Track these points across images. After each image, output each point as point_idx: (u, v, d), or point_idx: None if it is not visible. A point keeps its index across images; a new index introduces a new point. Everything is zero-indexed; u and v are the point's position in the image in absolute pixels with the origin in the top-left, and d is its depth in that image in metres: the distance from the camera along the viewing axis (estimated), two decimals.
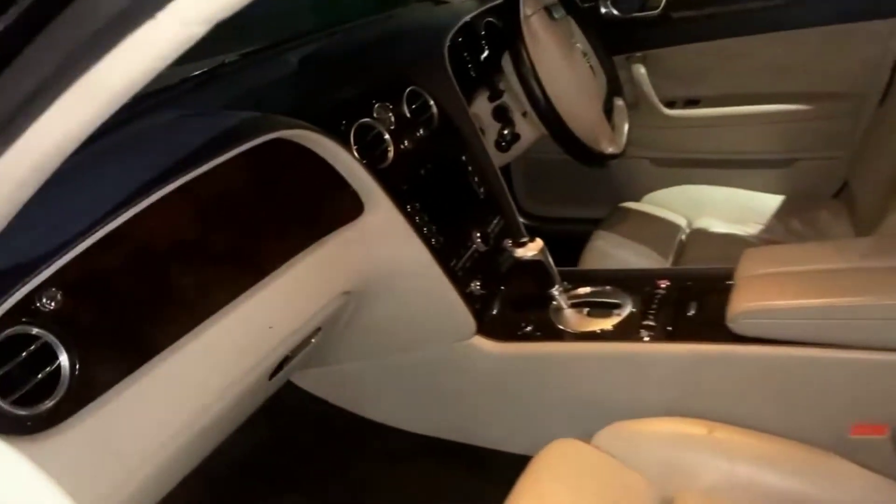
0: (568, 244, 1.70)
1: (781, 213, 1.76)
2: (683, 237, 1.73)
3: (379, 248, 1.17)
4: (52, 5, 0.39)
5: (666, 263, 1.60)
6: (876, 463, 0.95)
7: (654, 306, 1.24)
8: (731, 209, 1.80)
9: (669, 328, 1.18)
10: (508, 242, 1.31)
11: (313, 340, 1.12)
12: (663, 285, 1.29)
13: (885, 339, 0.99)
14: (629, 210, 1.84)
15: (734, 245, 1.58)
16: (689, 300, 1.23)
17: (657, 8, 1.85)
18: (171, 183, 0.84)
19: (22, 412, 0.71)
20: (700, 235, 1.71)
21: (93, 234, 0.75)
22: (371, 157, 1.18)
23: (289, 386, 1.49)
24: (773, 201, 1.80)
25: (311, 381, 1.48)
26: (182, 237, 0.91)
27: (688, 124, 1.95)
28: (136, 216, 0.79)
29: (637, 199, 1.90)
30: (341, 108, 1.20)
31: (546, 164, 2.07)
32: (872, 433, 0.99)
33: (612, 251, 1.63)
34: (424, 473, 1.42)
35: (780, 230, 1.72)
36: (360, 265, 1.14)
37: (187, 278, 0.90)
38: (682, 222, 1.77)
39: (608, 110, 1.64)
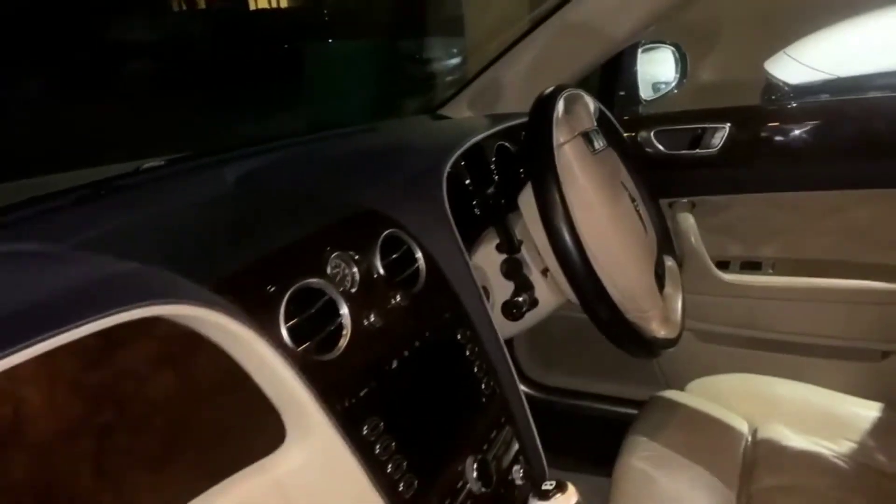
0: (579, 424, 1.27)
1: (879, 428, 1.29)
2: (744, 448, 1.25)
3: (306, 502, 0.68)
4: None
5: (731, 496, 1.12)
6: None
7: None
8: (810, 414, 1.34)
9: None
10: (527, 486, 0.83)
11: None
12: None
13: None
14: (672, 404, 1.36)
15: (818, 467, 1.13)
16: None
17: (716, 146, 1.47)
18: None
19: None
20: (770, 450, 1.23)
21: None
22: (310, 343, 0.71)
23: None
24: (866, 409, 1.34)
25: None
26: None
27: (747, 293, 1.51)
28: None
29: (679, 386, 1.43)
30: (275, 260, 0.75)
31: (559, 319, 1.63)
32: None
33: (655, 474, 1.15)
34: None
35: (880, 452, 1.25)
36: None
37: None
38: (742, 428, 1.30)
39: (661, 275, 1.20)
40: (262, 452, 0.67)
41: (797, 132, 1.44)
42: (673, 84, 1.67)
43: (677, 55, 1.69)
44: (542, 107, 1.04)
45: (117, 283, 0.59)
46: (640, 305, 1.09)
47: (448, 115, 1.66)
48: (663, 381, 1.53)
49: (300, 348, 0.69)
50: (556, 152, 1.00)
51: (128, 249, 0.73)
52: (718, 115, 1.48)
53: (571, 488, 0.79)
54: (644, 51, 1.65)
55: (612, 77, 1.59)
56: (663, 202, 1.51)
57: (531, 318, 1.16)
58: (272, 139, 1.22)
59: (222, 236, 0.83)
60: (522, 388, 1.19)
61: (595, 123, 1.19)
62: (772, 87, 1.59)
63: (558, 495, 0.77)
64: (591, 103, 1.19)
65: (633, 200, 1.16)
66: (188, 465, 0.61)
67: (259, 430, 0.67)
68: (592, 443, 1.44)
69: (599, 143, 1.15)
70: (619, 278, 1.04)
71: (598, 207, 1.06)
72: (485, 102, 1.61)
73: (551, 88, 1.08)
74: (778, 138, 1.46)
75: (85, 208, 0.90)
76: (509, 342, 1.71)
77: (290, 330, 0.69)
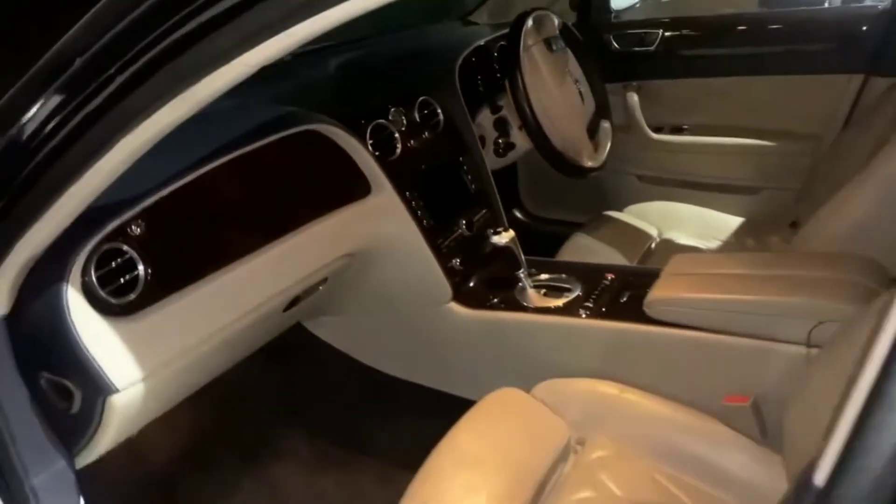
0: (557, 241, 2.00)
1: (739, 234, 2.03)
2: (652, 245, 2.01)
3: (379, 222, 1.48)
4: (174, 53, 0.71)
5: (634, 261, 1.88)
6: (741, 426, 1.23)
7: (597, 293, 1.53)
8: (698, 225, 2.08)
9: (603, 309, 1.47)
10: (489, 230, 1.61)
11: (321, 288, 1.45)
12: (609, 277, 1.58)
13: (757, 329, 1.27)
14: (610, 217, 2.12)
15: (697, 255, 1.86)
16: (624, 290, 1.52)
17: (653, 45, 2.14)
18: (228, 155, 1.17)
19: (112, 300, 1.04)
20: (666, 245, 1.99)
21: (169, 186, 1.08)
22: (382, 150, 1.50)
23: (305, 332, 1.81)
24: (734, 222, 2.06)
25: (323, 329, 1.80)
26: (232, 195, 1.24)
27: (670, 148, 2.22)
28: (200, 176, 1.12)
29: (620, 209, 2.18)
30: (363, 110, 1.52)
31: (547, 173, 2.36)
32: (739, 402, 1.27)
33: (584, 250, 1.93)
34: (414, 418, 1.71)
35: (733, 248, 1.99)
36: (363, 234, 1.45)
37: (233, 226, 1.23)
38: (653, 232, 2.06)
39: (593, 130, 1.93)
40: (361, 197, 1.46)
41: (706, 35, 2.10)
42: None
43: None
44: (517, 23, 1.74)
45: (297, 115, 1.36)
46: (574, 147, 1.82)
47: (474, 21, 2.36)
48: (613, 206, 2.27)
49: (377, 152, 1.47)
50: (523, 52, 1.72)
51: (293, 101, 1.50)
52: (655, 24, 2.14)
53: (511, 231, 1.57)
54: None
55: None
56: (617, 85, 2.20)
57: (512, 155, 1.92)
58: (358, 39, 1.96)
59: (336, 97, 1.60)
60: (519, 215, 1.96)
61: (557, 32, 1.88)
62: None
63: (502, 231, 1.55)
64: (555, 19, 1.88)
65: (576, 82, 1.88)
66: (328, 197, 1.40)
67: (360, 187, 1.46)
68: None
69: (556, 45, 1.85)
70: (558, 131, 1.77)
71: (549, 87, 1.78)
72: (499, 11, 2.29)
73: (527, 10, 1.78)
74: (695, 41, 2.12)
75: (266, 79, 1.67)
76: (514, 184, 2.48)
77: (372, 144, 1.47)
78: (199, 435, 1.74)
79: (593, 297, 1.52)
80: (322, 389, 1.82)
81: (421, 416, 1.67)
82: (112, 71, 0.75)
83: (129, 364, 1.04)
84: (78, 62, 0.76)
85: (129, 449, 1.36)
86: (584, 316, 1.47)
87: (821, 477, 0.43)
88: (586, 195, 2.35)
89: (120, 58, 0.74)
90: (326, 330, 1.77)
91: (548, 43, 1.83)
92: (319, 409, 1.80)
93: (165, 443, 1.70)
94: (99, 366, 1.01)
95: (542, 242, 2.05)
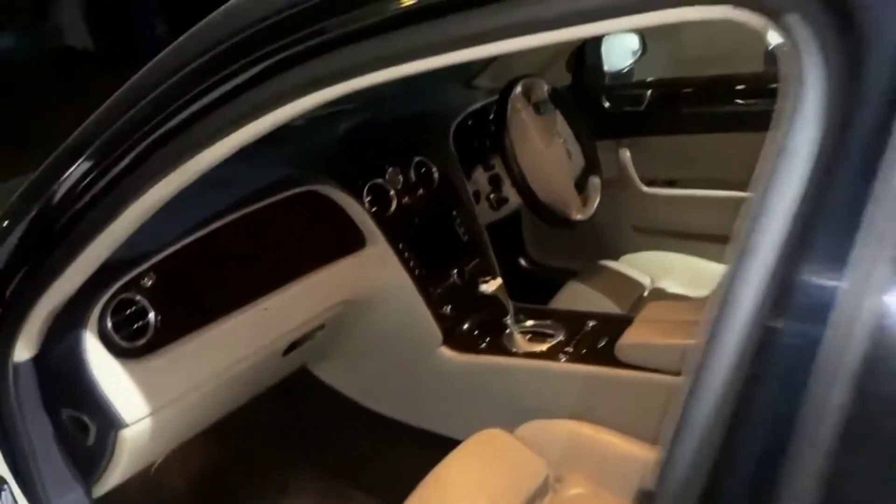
0: (558, 287, 2.11)
1: None
2: (644, 293, 2.10)
3: (373, 273, 1.62)
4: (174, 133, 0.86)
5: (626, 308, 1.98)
6: None
7: (577, 338, 1.63)
8: (690, 275, 2.17)
9: (583, 353, 1.57)
10: (480, 279, 1.73)
11: (319, 334, 1.58)
12: (591, 324, 1.68)
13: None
14: (604, 266, 2.23)
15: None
16: (603, 335, 1.61)
17: (642, 104, 2.27)
18: (234, 214, 1.32)
19: (125, 344, 1.18)
20: (657, 293, 2.09)
21: (179, 242, 1.23)
22: (379, 206, 1.64)
23: (311, 376, 1.94)
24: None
25: (326, 372, 1.93)
26: (236, 250, 1.39)
27: (663, 201, 2.33)
28: (207, 234, 1.28)
29: (617, 258, 2.29)
30: (361, 170, 1.67)
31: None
32: None
33: (577, 297, 2.03)
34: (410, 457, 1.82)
35: None
36: (358, 283, 1.59)
37: (236, 277, 1.38)
38: (645, 281, 2.15)
39: (582, 185, 2.06)
40: (357, 249, 1.60)
41: (692, 95, 2.23)
42: (631, 61, 2.45)
43: (639, 38, 2.46)
44: (506, 89, 1.90)
45: (300, 176, 1.51)
46: (563, 201, 1.95)
47: (477, 84, 2.52)
48: (611, 255, 2.37)
49: (373, 209, 1.61)
50: (512, 115, 1.86)
51: (302, 163, 1.64)
52: (644, 85, 2.28)
53: (499, 279, 1.69)
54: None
55: (581, 59, 2.39)
56: (610, 142, 2.33)
57: (505, 209, 2.05)
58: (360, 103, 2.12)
59: (340, 158, 1.75)
60: (524, 263, 2.09)
61: (546, 96, 2.02)
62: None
63: (490, 280, 1.67)
64: (544, 84, 2.03)
65: (564, 141, 2.01)
66: (325, 249, 1.54)
67: (356, 241, 1.60)
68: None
69: (545, 108, 1.99)
70: (545, 186, 1.89)
71: (536, 146, 1.92)
72: (500, 75, 2.45)
73: (516, 77, 1.94)
74: (682, 100, 2.25)
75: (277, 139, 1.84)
76: (519, 233, 2.60)
77: (369, 201, 1.61)
78: (213, 469, 1.86)
79: (574, 342, 1.62)
80: (326, 429, 1.93)
81: (415, 456, 1.77)
82: (124, 147, 0.90)
83: (138, 401, 1.18)
84: (97, 142, 0.92)
85: (145, 480, 1.49)
86: (563, 360, 1.57)
87: (650, 481, 0.54)
88: (586, 244, 2.46)
89: (129, 139, 0.89)
90: (329, 373, 1.90)
91: (536, 106, 1.97)
92: (323, 447, 1.91)
93: (180, 476, 1.82)
94: (111, 402, 1.14)
95: (545, 289, 2.17)
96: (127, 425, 1.17)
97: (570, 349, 1.60)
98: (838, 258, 0.45)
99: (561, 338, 1.65)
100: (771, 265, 0.50)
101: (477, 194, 2.00)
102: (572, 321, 1.71)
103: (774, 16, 0.53)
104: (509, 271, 2.10)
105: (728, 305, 0.51)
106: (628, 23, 0.59)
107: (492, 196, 1.98)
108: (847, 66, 0.48)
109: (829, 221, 0.47)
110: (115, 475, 1.26)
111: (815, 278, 0.47)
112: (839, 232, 0.46)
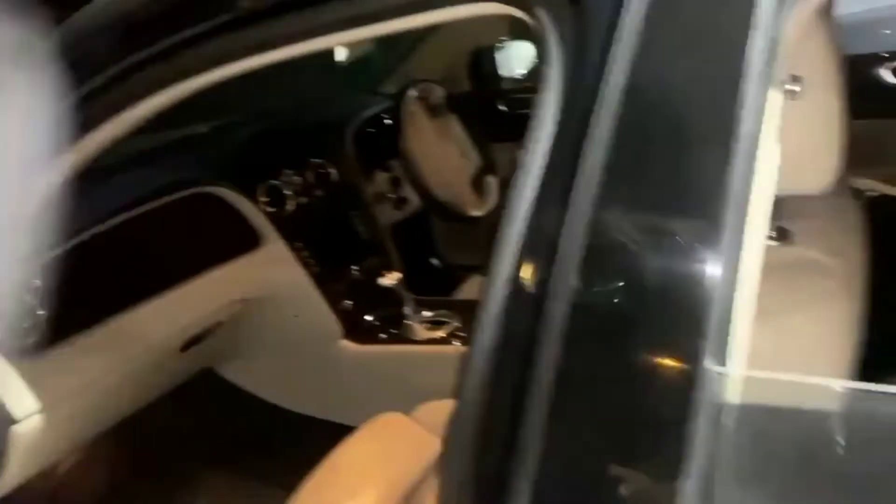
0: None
1: None
2: None
3: (270, 271, 1.69)
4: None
5: None
6: None
7: (470, 325, 1.72)
8: None
9: None
10: (380, 274, 1.81)
11: (218, 331, 1.63)
12: None
13: None
14: None
15: None
16: None
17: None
18: (126, 214, 1.37)
19: (14, 343, 1.21)
20: None
21: (69, 241, 1.28)
22: (275, 206, 1.71)
23: (216, 377, 1.98)
24: None
25: (232, 373, 1.97)
26: (129, 250, 1.43)
27: None
28: (96, 234, 1.32)
29: None
30: (257, 172, 1.73)
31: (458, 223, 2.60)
32: None
33: (476, 291, 2.13)
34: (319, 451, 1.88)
35: None
36: (254, 282, 1.65)
37: (129, 277, 1.42)
38: None
39: (478, 184, 2.17)
40: (252, 248, 1.66)
41: None
42: (527, 68, 2.58)
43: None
44: (400, 92, 1.99)
45: (194, 177, 1.57)
46: (459, 199, 2.05)
47: (382, 91, 2.61)
48: None
49: (269, 209, 1.68)
50: (407, 118, 1.96)
51: (202, 164, 1.70)
52: (535, 89, 2.41)
53: (396, 273, 1.77)
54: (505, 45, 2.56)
55: (478, 64, 2.51)
56: (509, 144, 2.45)
57: (407, 209, 2.14)
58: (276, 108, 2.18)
59: (242, 160, 1.81)
60: (436, 262, 2.19)
61: (440, 100, 2.13)
62: None
63: (386, 274, 1.75)
64: (439, 89, 2.14)
65: (459, 143, 2.12)
66: (221, 249, 1.60)
67: (251, 240, 1.66)
68: None
69: (440, 112, 2.10)
70: (441, 186, 2.00)
71: (431, 148, 2.02)
72: (403, 83, 2.55)
73: (410, 81, 2.04)
74: None
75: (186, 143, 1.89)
76: (430, 232, 2.70)
77: (266, 202, 1.68)
78: (121, 472, 1.87)
79: (467, 328, 1.72)
80: (235, 428, 1.97)
81: (325, 449, 1.83)
82: None
83: (27, 398, 1.21)
84: None
85: (49, 483, 1.51)
86: (455, 344, 1.66)
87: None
88: (492, 241, 2.56)
89: None
90: (236, 373, 1.94)
91: (432, 110, 2.08)
92: (233, 447, 1.95)
93: (87, 478, 1.83)
94: (0, 400, 1.17)
95: (454, 285, 2.26)
96: (17, 421, 1.20)
97: (464, 334, 1.69)
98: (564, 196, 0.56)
99: (456, 324, 1.75)
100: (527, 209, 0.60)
101: (380, 195, 2.09)
102: (467, 309, 1.81)
103: (528, 9, 0.63)
104: (420, 269, 2.20)
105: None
106: (413, 21, 0.69)
107: (393, 196, 2.07)
108: (576, 45, 0.59)
109: (557, 174, 0.58)
110: (13, 474, 1.28)
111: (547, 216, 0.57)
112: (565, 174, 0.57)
